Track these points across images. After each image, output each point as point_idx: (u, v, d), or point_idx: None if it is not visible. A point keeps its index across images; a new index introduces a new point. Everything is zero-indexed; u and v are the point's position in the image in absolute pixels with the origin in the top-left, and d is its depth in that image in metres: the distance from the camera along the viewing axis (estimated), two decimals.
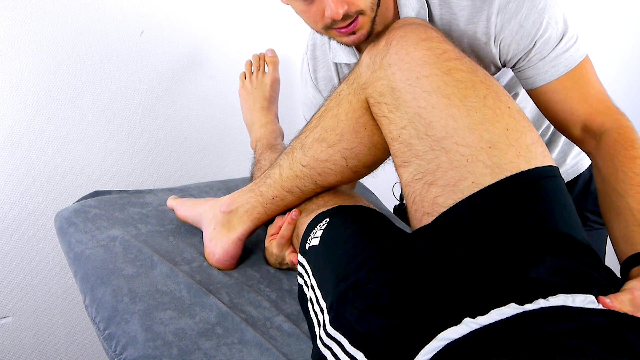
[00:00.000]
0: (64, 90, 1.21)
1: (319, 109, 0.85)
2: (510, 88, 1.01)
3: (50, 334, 1.34)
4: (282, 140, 1.17)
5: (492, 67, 0.90)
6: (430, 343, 0.52)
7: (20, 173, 1.20)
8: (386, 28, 0.87)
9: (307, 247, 0.80)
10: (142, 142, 1.34)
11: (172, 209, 1.02)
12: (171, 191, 1.14)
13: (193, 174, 1.42)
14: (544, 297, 0.55)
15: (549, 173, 0.68)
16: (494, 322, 0.52)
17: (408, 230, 0.89)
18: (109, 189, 1.13)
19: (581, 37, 0.85)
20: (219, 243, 0.92)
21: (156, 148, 1.36)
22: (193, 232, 1.00)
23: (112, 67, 1.25)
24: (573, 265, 0.61)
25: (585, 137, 0.84)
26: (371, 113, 0.78)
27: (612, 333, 0.49)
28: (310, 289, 0.74)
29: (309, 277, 0.76)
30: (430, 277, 0.61)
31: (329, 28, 0.81)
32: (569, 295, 0.55)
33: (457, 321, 0.53)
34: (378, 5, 0.81)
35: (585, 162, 1.18)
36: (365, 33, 0.82)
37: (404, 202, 1.31)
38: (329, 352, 0.61)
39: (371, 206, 0.87)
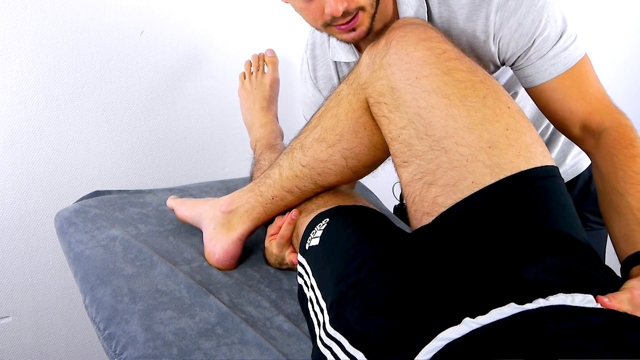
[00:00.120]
0: (64, 90, 1.21)
1: (318, 109, 0.85)
2: (509, 87, 1.01)
3: (50, 334, 1.34)
4: (282, 140, 1.17)
5: (491, 65, 0.90)
6: (430, 343, 0.52)
7: (20, 173, 1.20)
8: (385, 26, 0.87)
9: (307, 247, 0.80)
10: (142, 142, 1.34)
11: (172, 209, 1.02)
12: (171, 191, 1.14)
13: (193, 174, 1.42)
14: (544, 297, 0.55)
15: (549, 173, 0.68)
16: (493, 322, 0.52)
17: (408, 230, 0.89)
18: (109, 189, 1.13)
19: (581, 36, 0.85)
20: (219, 243, 0.92)
21: (156, 148, 1.36)
22: (193, 232, 1.00)
23: (112, 67, 1.25)
24: (573, 265, 0.61)
25: (584, 135, 0.84)
26: (371, 113, 0.78)
27: (611, 332, 0.49)
28: (310, 289, 0.74)
29: (308, 277, 0.76)
30: (430, 277, 0.61)
31: (329, 25, 0.81)
32: (568, 294, 0.55)
33: (457, 321, 0.53)
34: (378, 2, 0.81)
35: (585, 162, 1.18)
36: (365, 29, 0.82)
37: (403, 202, 1.32)
38: (329, 352, 0.61)
39: (371, 206, 0.87)
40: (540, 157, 0.68)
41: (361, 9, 0.79)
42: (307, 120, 0.89)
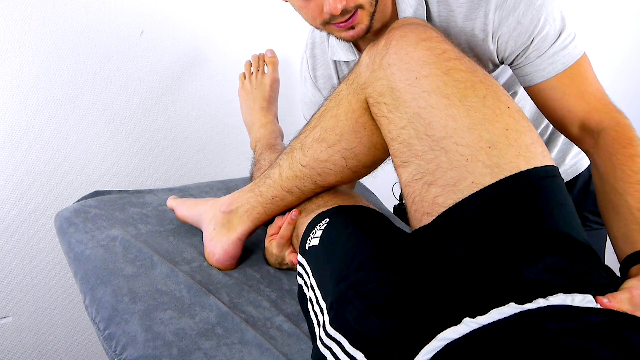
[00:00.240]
0: (64, 90, 1.21)
1: (318, 109, 0.85)
2: (509, 87, 1.01)
3: (50, 334, 1.34)
4: (282, 140, 1.17)
5: (490, 64, 0.90)
6: (430, 343, 0.52)
7: (20, 173, 1.20)
8: (384, 25, 0.87)
9: (306, 247, 0.80)
10: (142, 142, 1.34)
11: (172, 209, 1.02)
12: (171, 191, 1.14)
13: (193, 174, 1.42)
14: (544, 297, 0.55)
15: (549, 173, 0.68)
16: (493, 322, 0.52)
17: (408, 230, 0.89)
18: (109, 189, 1.13)
19: (581, 36, 0.85)
20: (219, 243, 0.92)
21: (156, 148, 1.36)
22: (193, 232, 1.00)
23: (112, 67, 1.25)
24: (573, 265, 0.61)
25: (583, 135, 0.84)
26: (371, 113, 0.78)
27: (611, 332, 0.49)
28: (310, 289, 0.74)
29: (308, 277, 0.76)
30: (430, 277, 0.61)
31: (328, 23, 0.81)
32: (568, 295, 0.55)
33: (457, 321, 0.53)
34: (377, 1, 0.81)
35: (584, 162, 1.18)
36: (364, 28, 0.82)
37: (403, 202, 1.32)
38: (329, 352, 0.61)
39: (371, 206, 0.87)
40: (540, 157, 0.68)
41: (360, 7, 0.79)
42: (307, 120, 0.89)
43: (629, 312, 0.55)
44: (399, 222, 1.11)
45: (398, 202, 1.34)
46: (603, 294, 0.57)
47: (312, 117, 0.86)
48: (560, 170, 0.83)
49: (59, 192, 1.25)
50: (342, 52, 0.99)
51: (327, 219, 0.80)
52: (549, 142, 1.14)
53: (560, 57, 0.83)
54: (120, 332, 0.77)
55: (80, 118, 1.24)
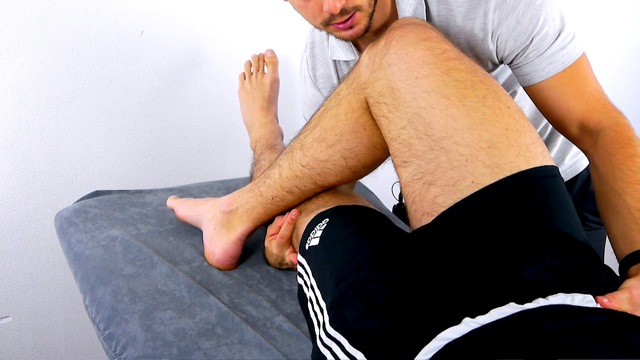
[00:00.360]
0: (64, 90, 1.21)
1: (318, 109, 0.85)
2: (508, 86, 1.01)
3: (50, 334, 1.34)
4: (282, 140, 1.17)
5: (489, 63, 0.90)
6: (430, 343, 0.52)
7: (20, 173, 1.20)
8: (384, 25, 0.88)
9: (306, 247, 0.80)
10: (142, 142, 1.34)
11: (172, 209, 1.02)
12: (171, 191, 1.14)
13: (193, 174, 1.42)
14: (544, 297, 0.55)
15: (549, 173, 0.68)
16: (493, 322, 0.52)
17: (408, 230, 0.89)
18: (109, 189, 1.13)
19: (581, 36, 0.85)
20: (219, 243, 0.92)
21: (156, 148, 1.36)
22: (193, 232, 1.00)
23: (112, 67, 1.25)
24: (573, 264, 0.61)
25: (582, 135, 0.84)
26: (370, 113, 0.78)
27: (611, 332, 0.49)
28: (310, 289, 0.74)
29: (308, 277, 0.76)
30: (430, 277, 0.61)
31: (328, 24, 0.82)
32: (568, 294, 0.55)
33: (457, 321, 0.53)
34: (376, 1, 0.81)
35: (583, 162, 1.18)
36: (362, 28, 0.83)
37: (403, 201, 1.32)
38: (329, 352, 0.61)
39: (371, 206, 0.87)
40: (540, 157, 0.68)
41: (358, 9, 0.80)
42: (307, 120, 0.89)
43: (629, 312, 0.55)
44: (399, 222, 1.11)
45: (397, 202, 1.34)
46: (603, 293, 0.57)
47: (312, 117, 0.86)
48: (559, 170, 0.83)
49: (59, 192, 1.25)
50: (342, 51, 1.00)
51: (327, 219, 0.80)
52: (548, 142, 1.14)
53: (559, 56, 0.83)
54: (120, 332, 0.77)
55: (80, 118, 1.24)
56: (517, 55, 0.85)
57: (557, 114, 0.85)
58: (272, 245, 0.91)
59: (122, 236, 0.94)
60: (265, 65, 1.26)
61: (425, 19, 0.87)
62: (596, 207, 0.79)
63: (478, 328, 0.52)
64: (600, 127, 0.80)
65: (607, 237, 0.76)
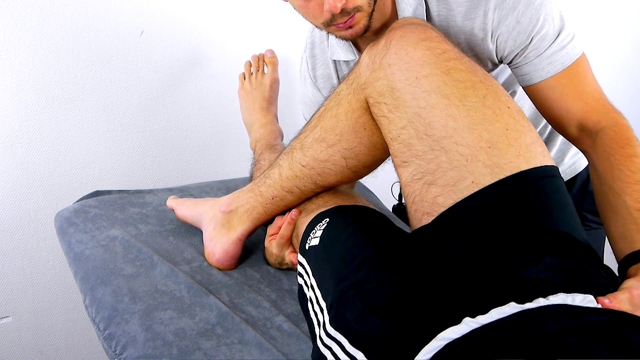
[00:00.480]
0: (64, 90, 1.21)
1: (318, 109, 0.85)
2: (508, 86, 1.01)
3: (50, 334, 1.34)
4: (282, 140, 1.17)
5: (489, 63, 0.90)
6: (430, 343, 0.52)
7: (20, 173, 1.20)
8: (384, 25, 0.88)
9: (307, 247, 0.80)
10: (142, 142, 1.34)
11: (172, 209, 1.02)
12: (171, 191, 1.14)
13: (193, 174, 1.42)
14: (544, 296, 0.55)
15: (549, 173, 0.68)
16: (493, 322, 0.52)
17: (408, 230, 0.89)
18: (109, 189, 1.13)
19: (581, 36, 0.85)
20: (219, 243, 0.92)
21: (156, 148, 1.36)
22: (193, 232, 1.00)
23: (112, 67, 1.25)
24: (573, 264, 0.61)
25: (581, 135, 0.84)
26: (371, 113, 0.78)
27: (612, 332, 0.49)
28: (310, 289, 0.74)
29: (308, 277, 0.76)
30: (430, 277, 0.61)
31: (329, 24, 0.82)
32: (568, 294, 0.55)
33: (457, 321, 0.53)
34: (375, 1, 0.81)
35: (583, 162, 1.18)
36: (362, 27, 0.83)
37: (402, 201, 1.32)
38: (329, 352, 0.61)
39: (371, 206, 0.87)
40: (540, 157, 0.68)
41: (358, 10, 0.80)
42: (307, 120, 0.89)
43: (629, 312, 0.55)
44: (399, 222, 1.11)
45: (397, 202, 1.34)
46: (603, 293, 0.57)
47: (312, 117, 0.86)
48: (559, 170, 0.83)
49: (59, 192, 1.25)
50: (342, 51, 1.00)
51: (327, 219, 0.80)
52: (547, 142, 1.14)
53: (559, 57, 0.83)
54: (120, 332, 0.77)
55: (80, 118, 1.24)
56: (516, 55, 0.85)
57: (556, 114, 0.85)
58: (272, 245, 0.91)
59: (122, 236, 0.94)
60: (265, 66, 1.26)
61: (425, 18, 0.87)
62: (595, 206, 0.80)
63: (478, 328, 0.52)
64: (599, 127, 0.80)
65: (606, 237, 0.76)
